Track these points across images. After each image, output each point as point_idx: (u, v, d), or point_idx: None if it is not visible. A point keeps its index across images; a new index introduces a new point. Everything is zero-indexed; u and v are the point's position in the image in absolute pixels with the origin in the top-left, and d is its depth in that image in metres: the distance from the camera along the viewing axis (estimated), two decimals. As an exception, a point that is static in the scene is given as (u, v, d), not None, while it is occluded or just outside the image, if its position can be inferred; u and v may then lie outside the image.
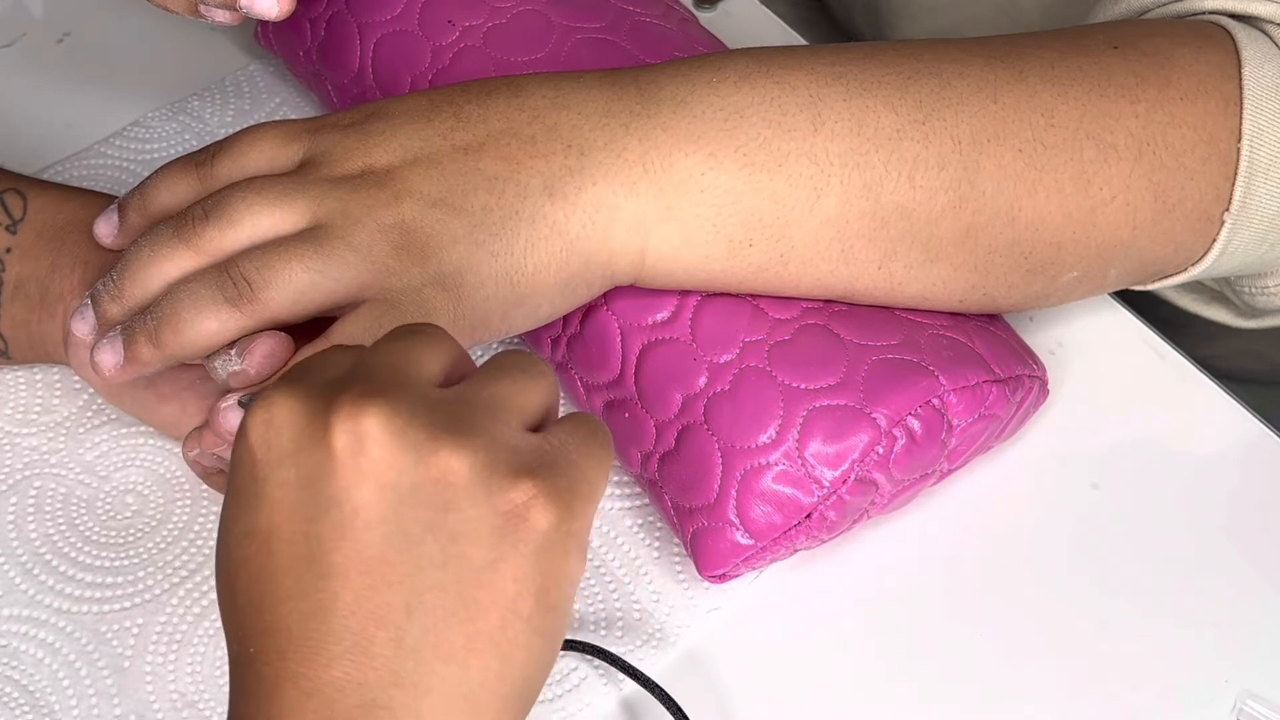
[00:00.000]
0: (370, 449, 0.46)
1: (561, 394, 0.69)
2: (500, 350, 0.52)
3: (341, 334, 0.57)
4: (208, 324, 0.57)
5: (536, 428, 0.50)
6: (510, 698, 0.47)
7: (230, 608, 0.48)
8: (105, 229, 0.63)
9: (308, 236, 0.58)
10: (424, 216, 0.58)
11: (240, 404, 0.56)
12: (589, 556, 0.65)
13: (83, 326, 0.60)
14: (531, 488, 0.47)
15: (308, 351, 0.57)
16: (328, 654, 0.46)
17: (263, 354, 0.57)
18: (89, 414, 0.68)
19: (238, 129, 0.64)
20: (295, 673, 0.46)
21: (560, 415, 0.51)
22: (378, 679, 0.45)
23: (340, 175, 0.60)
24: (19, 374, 0.69)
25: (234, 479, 0.48)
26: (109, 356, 0.59)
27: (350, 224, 0.58)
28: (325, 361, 0.50)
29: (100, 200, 0.66)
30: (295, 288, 0.57)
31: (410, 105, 0.61)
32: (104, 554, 0.65)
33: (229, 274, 0.57)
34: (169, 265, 0.59)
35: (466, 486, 0.46)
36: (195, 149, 0.64)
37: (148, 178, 0.62)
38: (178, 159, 0.63)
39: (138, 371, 0.59)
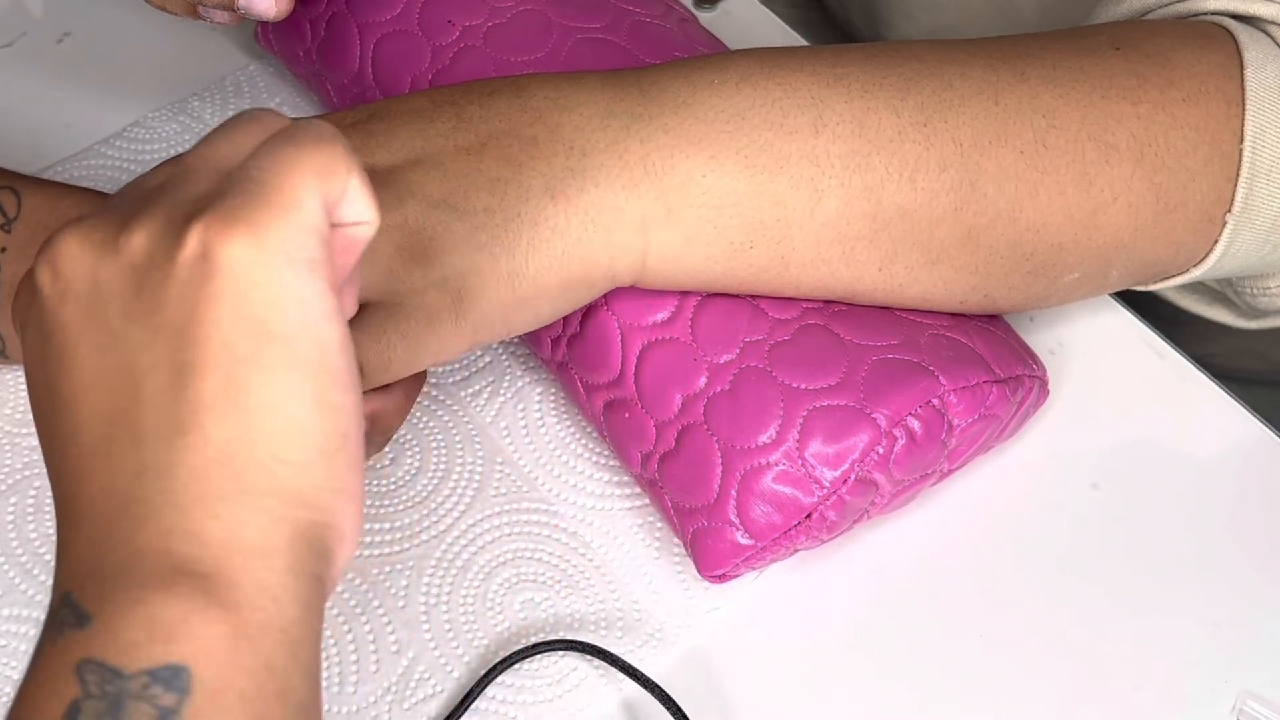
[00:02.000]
0: (62, 270, 0.46)
1: (563, 393, 0.69)
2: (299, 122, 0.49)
3: None
4: None
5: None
6: (284, 448, 0.44)
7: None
8: None
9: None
10: (427, 218, 0.58)
11: None
12: (589, 557, 0.65)
13: None
14: (202, 226, 0.44)
15: None
16: (76, 471, 0.45)
17: None
18: (89, 414, 0.68)
19: (237, 129, 0.63)
20: (65, 494, 0.46)
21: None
22: (123, 475, 0.44)
23: (341, 174, 0.59)
24: (19, 374, 0.69)
25: None
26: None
27: (352, 224, 0.58)
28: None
29: (95, 199, 0.66)
30: None
31: (411, 105, 0.61)
32: (104, 554, 0.65)
33: None
34: None
35: (149, 255, 0.45)
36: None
37: (142, 175, 0.62)
38: (172, 157, 0.62)
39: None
